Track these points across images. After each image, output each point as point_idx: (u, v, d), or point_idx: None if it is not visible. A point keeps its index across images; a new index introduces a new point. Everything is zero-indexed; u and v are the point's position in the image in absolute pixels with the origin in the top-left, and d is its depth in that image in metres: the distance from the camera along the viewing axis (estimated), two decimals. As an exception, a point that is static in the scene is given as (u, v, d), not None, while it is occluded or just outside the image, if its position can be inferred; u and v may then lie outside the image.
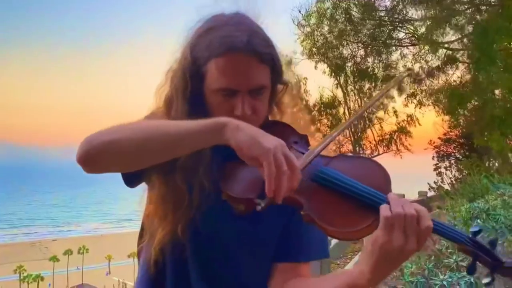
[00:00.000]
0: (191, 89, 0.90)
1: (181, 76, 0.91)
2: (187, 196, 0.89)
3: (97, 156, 0.84)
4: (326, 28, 12.90)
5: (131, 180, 0.92)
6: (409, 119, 14.02)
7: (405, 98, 13.67)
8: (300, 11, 13.21)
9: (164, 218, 0.92)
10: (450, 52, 11.93)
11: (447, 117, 13.63)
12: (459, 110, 11.80)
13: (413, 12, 11.98)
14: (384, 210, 0.72)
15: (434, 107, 13.34)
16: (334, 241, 3.60)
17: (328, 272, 3.29)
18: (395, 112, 14.06)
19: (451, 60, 12.00)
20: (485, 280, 0.74)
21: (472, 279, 2.46)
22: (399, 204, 0.72)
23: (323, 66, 13.43)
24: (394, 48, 12.89)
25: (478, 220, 2.77)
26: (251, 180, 0.81)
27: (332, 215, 0.76)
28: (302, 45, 13.41)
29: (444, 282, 2.39)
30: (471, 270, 0.75)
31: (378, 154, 14.13)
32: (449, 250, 2.82)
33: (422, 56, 12.79)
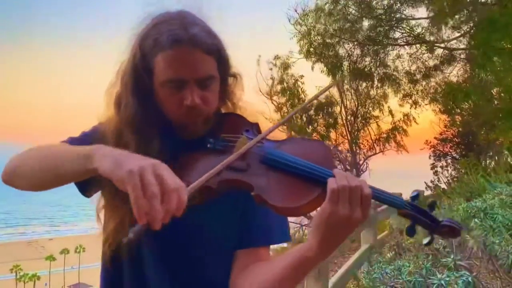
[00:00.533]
0: (140, 85, 0.92)
1: (130, 73, 0.93)
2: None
3: (10, 178, 0.92)
4: (323, 27, 12.90)
5: (83, 189, 0.95)
6: (405, 118, 14.04)
7: (400, 98, 13.70)
8: (296, 11, 13.23)
9: (113, 211, 0.93)
10: (448, 51, 11.95)
11: (443, 117, 13.67)
12: (456, 109, 11.83)
13: (410, 11, 12.00)
14: (331, 183, 0.76)
15: (431, 105, 13.37)
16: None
17: (327, 272, 3.29)
18: (390, 111, 14.07)
19: (448, 59, 12.01)
20: (425, 241, 0.78)
21: (470, 278, 2.47)
22: (343, 177, 0.76)
23: (320, 66, 13.44)
24: (391, 47, 12.90)
25: (476, 219, 2.77)
26: (207, 167, 0.82)
27: (280, 193, 0.80)
28: (299, 45, 13.42)
29: (442, 282, 2.39)
30: (410, 232, 0.79)
31: (375, 153, 14.15)
32: (446, 250, 2.82)
33: (419, 56, 12.82)
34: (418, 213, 0.78)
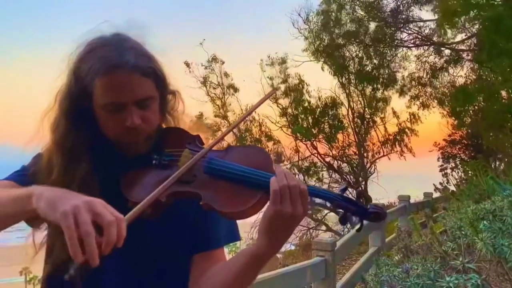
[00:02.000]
0: (76, 108, 0.94)
1: (66, 97, 0.95)
2: None
3: None
4: (329, 30, 12.87)
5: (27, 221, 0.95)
6: (412, 117, 13.92)
7: (408, 100, 13.61)
8: (299, 14, 13.23)
9: (53, 234, 0.94)
10: (454, 52, 11.86)
11: (451, 120, 13.55)
12: (463, 112, 11.72)
13: (417, 13, 11.94)
14: (273, 184, 0.81)
15: (438, 108, 13.27)
16: (338, 243, 3.59)
17: (334, 274, 3.28)
18: (394, 113, 13.97)
19: (455, 60, 11.92)
20: (357, 227, 0.87)
21: (479, 281, 2.44)
22: (283, 177, 0.82)
23: (325, 68, 13.41)
24: (397, 49, 12.84)
25: (485, 221, 2.74)
26: (154, 183, 0.88)
27: (226, 200, 0.86)
28: (304, 47, 13.41)
29: (451, 284, 2.36)
30: (343, 221, 0.86)
31: (383, 155, 14.06)
32: (455, 252, 2.80)
33: (426, 58, 12.74)
34: (348, 203, 0.86)
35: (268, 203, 0.82)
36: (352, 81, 13.61)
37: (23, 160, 1.03)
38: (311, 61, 13.45)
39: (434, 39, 11.60)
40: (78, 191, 0.86)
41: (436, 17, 11.05)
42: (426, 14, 12.16)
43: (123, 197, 0.90)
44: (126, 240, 0.89)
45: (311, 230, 12.42)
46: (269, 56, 13.87)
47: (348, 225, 0.91)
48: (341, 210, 0.86)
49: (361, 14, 12.60)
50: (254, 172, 0.87)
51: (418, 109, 13.68)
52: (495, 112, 9.78)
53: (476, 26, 10.24)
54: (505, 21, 7.77)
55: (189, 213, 1.00)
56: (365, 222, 0.86)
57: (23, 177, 0.97)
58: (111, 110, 0.92)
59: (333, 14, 12.77)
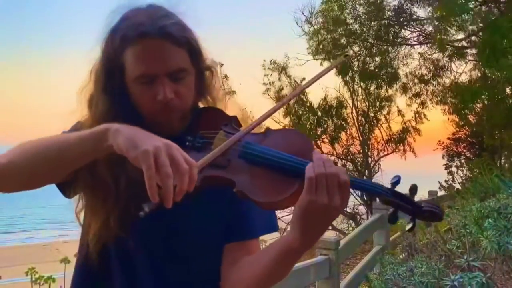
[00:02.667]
0: (111, 82, 0.90)
1: (101, 71, 0.92)
2: (113, 188, 0.89)
3: None
4: (332, 29, 12.84)
5: (64, 189, 0.94)
6: (416, 116, 13.86)
7: (409, 98, 13.56)
8: (303, 13, 13.21)
9: (95, 213, 0.92)
10: (458, 50, 11.80)
11: (452, 117, 13.48)
12: (466, 110, 11.66)
13: (421, 11, 11.88)
14: (308, 171, 0.75)
15: (440, 105, 13.21)
16: (342, 242, 3.58)
17: (338, 272, 3.27)
18: (399, 111, 13.91)
19: (459, 57, 11.84)
20: (408, 227, 0.78)
21: (484, 279, 2.43)
22: (321, 164, 0.75)
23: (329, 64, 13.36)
24: (400, 47, 12.79)
25: (489, 219, 2.73)
26: None
27: (262, 188, 0.80)
28: (308, 46, 13.38)
29: (455, 283, 2.35)
30: (392, 219, 0.78)
31: (387, 154, 14.01)
32: (460, 250, 2.78)
33: (429, 56, 12.68)
34: (399, 199, 0.78)
35: None
36: (356, 79, 13.57)
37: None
38: (315, 59, 13.43)
39: (438, 36, 11.53)
40: (130, 164, 0.86)
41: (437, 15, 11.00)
42: (428, 12, 12.10)
43: None
44: (161, 229, 0.92)
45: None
46: (271, 61, 13.85)
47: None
48: (391, 206, 0.78)
49: (363, 13, 12.56)
50: (292, 159, 0.80)
51: (418, 107, 13.64)
52: (500, 111, 9.72)
53: (478, 25, 10.18)
54: (503, 26, 7.73)
55: (223, 200, 0.95)
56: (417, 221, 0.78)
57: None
58: (142, 83, 0.88)
59: (334, 13, 12.72)
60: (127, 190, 0.90)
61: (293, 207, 0.80)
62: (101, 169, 0.89)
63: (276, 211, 1.02)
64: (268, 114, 0.92)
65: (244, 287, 0.90)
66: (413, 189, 0.79)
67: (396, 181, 0.80)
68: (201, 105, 1.04)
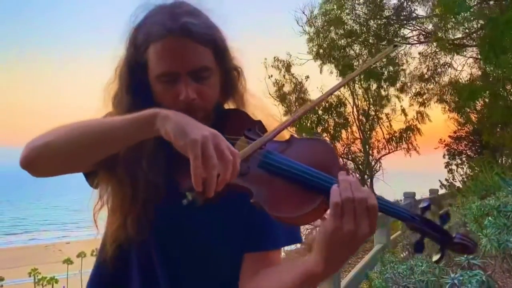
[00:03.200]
0: (135, 81, 0.89)
1: (125, 69, 0.90)
2: (131, 189, 0.88)
3: (36, 160, 0.85)
4: (332, 29, 12.83)
5: (92, 179, 0.93)
6: (418, 115, 13.85)
7: (410, 97, 13.55)
8: (304, 12, 13.19)
9: (113, 213, 0.91)
10: (458, 47, 11.77)
11: (452, 115, 13.47)
12: (466, 108, 11.64)
13: (420, 9, 11.87)
14: (334, 195, 0.69)
15: (439, 104, 13.20)
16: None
17: (339, 271, 3.28)
18: (403, 110, 13.90)
19: (458, 53, 11.80)
20: (435, 257, 0.71)
21: (484, 277, 2.43)
22: (348, 187, 0.70)
23: (329, 67, 13.37)
24: (400, 46, 12.76)
25: (489, 217, 2.73)
26: None
27: (280, 202, 0.75)
28: (308, 46, 13.38)
29: (455, 281, 2.36)
30: (418, 248, 0.71)
31: (388, 153, 14.01)
32: (460, 248, 2.78)
33: (430, 54, 12.66)
34: (428, 227, 0.71)
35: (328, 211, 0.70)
36: (356, 79, 13.56)
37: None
38: (314, 58, 13.42)
39: (439, 34, 11.49)
40: (147, 166, 0.87)
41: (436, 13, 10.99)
42: (427, 12, 12.08)
43: (175, 180, 0.84)
44: (179, 233, 0.91)
45: (317, 228, 12.38)
46: (275, 58, 13.84)
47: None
48: (418, 233, 0.72)
49: (363, 13, 12.54)
50: (316, 174, 0.74)
51: (419, 106, 13.63)
52: (500, 109, 9.71)
53: (475, 23, 10.17)
54: (503, 23, 7.72)
55: (242, 207, 0.89)
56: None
57: None
58: (165, 82, 0.86)
59: (334, 13, 12.70)
60: (144, 192, 0.89)
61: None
62: (119, 170, 0.88)
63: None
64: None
65: None
66: (444, 216, 0.72)
67: (426, 206, 0.73)
68: (226, 106, 1.00)
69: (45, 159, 0.85)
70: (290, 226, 0.89)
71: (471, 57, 11.84)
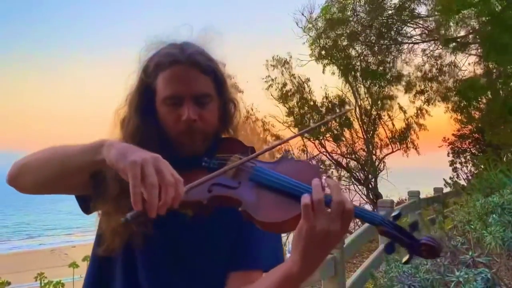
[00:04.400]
0: (143, 104, 0.99)
1: (135, 94, 1.01)
2: (124, 198, 0.90)
3: (17, 178, 0.96)
4: (333, 30, 12.81)
5: (84, 206, 1.01)
6: (418, 112, 13.78)
7: (413, 95, 13.50)
8: (303, 14, 13.18)
9: (107, 219, 0.97)
10: (461, 45, 11.73)
11: (454, 115, 13.40)
12: (471, 106, 11.58)
13: (422, 7, 11.84)
14: (304, 198, 0.76)
15: (444, 103, 13.14)
16: (347, 241, 3.59)
17: (343, 271, 3.28)
18: (401, 108, 13.84)
19: (462, 51, 11.76)
20: (404, 259, 0.78)
21: (489, 275, 2.43)
22: (319, 191, 0.76)
23: (331, 68, 13.37)
24: (402, 45, 12.75)
25: (494, 215, 2.73)
26: (200, 185, 0.85)
27: (266, 210, 0.83)
28: (310, 48, 13.36)
29: (460, 279, 2.35)
30: (388, 249, 0.79)
31: (391, 152, 13.96)
32: (464, 246, 2.78)
33: (432, 52, 12.62)
34: (397, 231, 0.78)
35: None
36: (358, 78, 13.55)
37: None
38: (316, 59, 13.40)
39: (442, 31, 11.44)
40: None
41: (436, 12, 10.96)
42: (429, 11, 12.04)
43: None
44: (168, 241, 0.97)
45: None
46: (273, 57, 13.84)
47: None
48: (388, 237, 0.78)
49: (364, 12, 12.52)
50: (297, 184, 0.83)
51: (423, 104, 13.59)
52: (500, 106, 9.67)
53: (474, 21, 10.13)
54: (504, 18, 7.69)
55: (232, 228, 0.98)
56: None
57: None
58: (170, 105, 0.97)
59: (335, 15, 12.69)
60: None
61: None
62: (110, 182, 0.94)
63: (281, 240, 1.05)
64: (280, 143, 1.05)
65: None
66: (414, 225, 0.80)
67: (397, 214, 0.81)
68: (223, 135, 1.11)
69: (24, 178, 0.95)
70: (274, 232, 0.94)
71: (472, 54, 11.79)
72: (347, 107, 13.60)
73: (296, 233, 0.77)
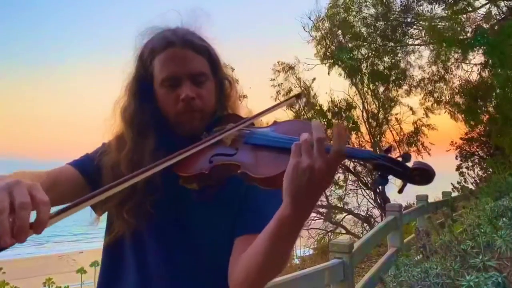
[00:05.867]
0: (141, 90, 1.03)
1: (132, 80, 1.05)
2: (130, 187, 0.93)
3: None
4: (340, 32, 12.83)
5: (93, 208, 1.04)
6: (426, 111, 13.69)
7: (422, 96, 13.44)
8: (310, 18, 13.24)
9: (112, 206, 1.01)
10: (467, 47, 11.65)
11: (460, 118, 13.31)
12: (478, 109, 11.50)
13: (427, 9, 11.81)
14: (295, 144, 0.78)
15: (450, 105, 13.06)
16: (356, 245, 3.57)
17: (352, 275, 3.27)
18: (411, 109, 13.76)
19: (468, 52, 11.68)
20: (398, 188, 0.81)
21: (500, 279, 2.41)
22: (307, 135, 0.77)
23: (337, 70, 13.36)
24: (407, 47, 12.71)
25: (504, 218, 2.71)
26: (202, 158, 0.93)
27: (263, 167, 0.87)
28: (316, 49, 13.39)
29: (471, 283, 2.33)
30: (381, 181, 0.78)
31: (399, 156, 13.83)
32: (474, 250, 2.76)
33: (440, 54, 12.57)
34: (389, 162, 0.78)
35: None
36: (365, 81, 13.52)
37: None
38: (323, 63, 13.42)
39: (446, 34, 11.40)
40: (149, 161, 0.95)
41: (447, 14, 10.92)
42: (437, 9, 12.01)
43: (176, 174, 0.95)
44: (176, 217, 1.01)
45: (329, 233, 12.31)
46: (278, 62, 13.89)
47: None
48: (381, 170, 0.78)
49: (370, 15, 12.52)
50: (292, 138, 0.85)
51: (432, 105, 13.51)
52: (506, 110, 9.59)
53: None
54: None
55: (237, 195, 1.02)
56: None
57: (85, 159, 1.07)
58: (167, 86, 1.00)
59: (341, 17, 12.71)
60: (143, 187, 0.98)
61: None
62: (122, 167, 0.99)
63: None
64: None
65: (245, 275, 0.90)
66: (406, 155, 0.80)
67: (388, 148, 0.81)
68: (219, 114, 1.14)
69: None
70: (272, 187, 0.93)
71: (476, 65, 11.72)
72: (353, 111, 13.58)
73: (285, 174, 0.77)
